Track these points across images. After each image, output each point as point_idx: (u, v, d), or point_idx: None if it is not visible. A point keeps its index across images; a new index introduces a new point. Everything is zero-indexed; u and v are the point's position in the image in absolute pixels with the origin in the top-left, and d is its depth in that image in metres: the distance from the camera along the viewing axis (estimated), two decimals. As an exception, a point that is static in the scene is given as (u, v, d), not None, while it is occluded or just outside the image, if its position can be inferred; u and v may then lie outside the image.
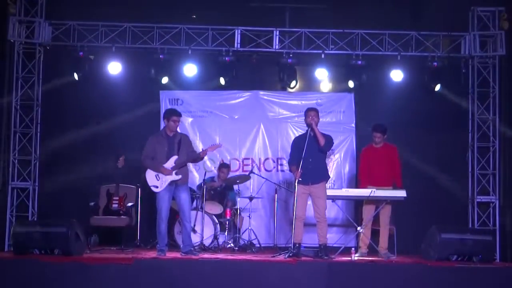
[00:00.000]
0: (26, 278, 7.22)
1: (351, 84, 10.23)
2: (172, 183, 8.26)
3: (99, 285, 7.23)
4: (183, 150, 8.35)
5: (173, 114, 8.39)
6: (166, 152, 8.31)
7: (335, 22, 10.09)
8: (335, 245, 9.01)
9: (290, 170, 8.59)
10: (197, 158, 8.56)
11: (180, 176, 8.27)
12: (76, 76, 9.93)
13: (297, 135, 9.94)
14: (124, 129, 10.48)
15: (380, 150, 8.99)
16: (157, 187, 8.25)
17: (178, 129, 8.59)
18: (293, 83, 10.24)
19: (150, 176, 8.30)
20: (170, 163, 8.27)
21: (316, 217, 8.34)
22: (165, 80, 10.23)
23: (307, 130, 8.37)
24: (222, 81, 10.23)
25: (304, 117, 8.47)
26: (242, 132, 10.88)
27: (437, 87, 10.04)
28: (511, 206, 9.84)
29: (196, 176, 10.56)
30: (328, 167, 10.46)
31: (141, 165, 8.47)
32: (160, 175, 8.24)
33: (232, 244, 9.48)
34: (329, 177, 8.77)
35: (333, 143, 8.58)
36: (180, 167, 8.29)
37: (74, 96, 10.31)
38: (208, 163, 10.61)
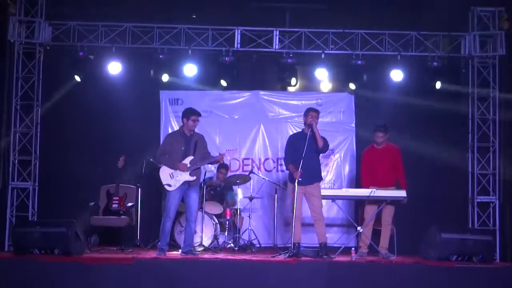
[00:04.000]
0: (26, 278, 7.22)
1: (352, 86, 10.24)
2: (186, 183, 8.26)
3: (99, 285, 7.23)
4: (199, 151, 8.34)
5: (193, 114, 8.33)
6: (183, 151, 8.29)
7: (335, 22, 10.08)
8: (335, 245, 9.02)
9: (287, 169, 8.58)
10: (214, 161, 8.59)
11: (194, 177, 8.27)
12: (78, 78, 9.95)
13: (297, 135, 9.96)
14: (124, 129, 10.48)
15: (382, 150, 8.96)
16: (170, 185, 8.24)
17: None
18: (293, 81, 10.25)
19: (164, 175, 8.28)
20: (186, 162, 8.27)
21: (313, 216, 8.35)
22: (165, 77, 10.21)
23: (302, 129, 8.38)
24: (223, 83, 10.24)
25: (303, 117, 8.48)
26: (242, 132, 10.87)
27: (438, 85, 10.05)
28: (511, 206, 9.84)
29: (196, 176, 10.56)
30: (327, 167, 10.58)
31: (157, 161, 8.48)
32: (175, 174, 8.23)
33: (232, 244, 9.49)
34: (322, 178, 8.77)
35: (328, 145, 8.61)
36: (195, 168, 8.28)
37: (74, 96, 10.31)
38: (208, 162, 10.61)
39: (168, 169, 8.28)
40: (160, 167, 8.42)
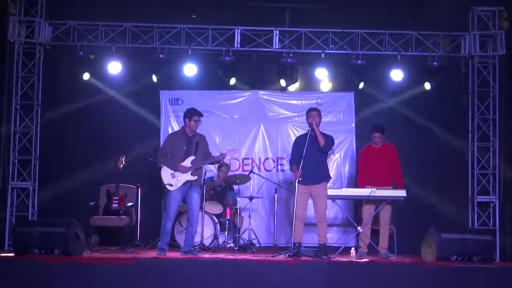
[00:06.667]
0: (26, 278, 7.21)
1: (361, 85, 10.19)
2: (187, 183, 8.27)
3: (99, 285, 7.22)
4: (200, 151, 8.35)
5: (195, 114, 8.35)
6: (184, 151, 8.30)
7: (335, 22, 10.08)
8: (335, 245, 9.03)
9: (291, 169, 8.60)
10: (215, 161, 8.63)
11: (196, 177, 8.28)
12: (87, 75, 9.94)
13: (297, 135, 9.94)
14: (124, 129, 10.48)
15: (379, 149, 8.97)
16: (172, 185, 8.24)
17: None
18: (282, 82, 10.24)
19: (166, 174, 8.29)
20: (187, 163, 8.27)
21: (316, 217, 8.35)
22: (154, 78, 10.21)
23: (308, 130, 8.37)
24: (232, 81, 10.23)
25: (305, 117, 8.48)
26: (242, 132, 10.87)
27: (427, 86, 10.06)
28: (511, 206, 9.84)
29: (196, 176, 10.56)
30: (328, 167, 10.55)
31: (158, 161, 8.45)
32: (176, 173, 8.24)
33: (232, 244, 9.49)
34: (330, 177, 8.76)
35: (333, 143, 8.58)
36: (196, 168, 8.29)
37: (74, 96, 10.31)
38: (209, 163, 10.61)
39: (170, 169, 8.29)
40: (161, 166, 8.42)
